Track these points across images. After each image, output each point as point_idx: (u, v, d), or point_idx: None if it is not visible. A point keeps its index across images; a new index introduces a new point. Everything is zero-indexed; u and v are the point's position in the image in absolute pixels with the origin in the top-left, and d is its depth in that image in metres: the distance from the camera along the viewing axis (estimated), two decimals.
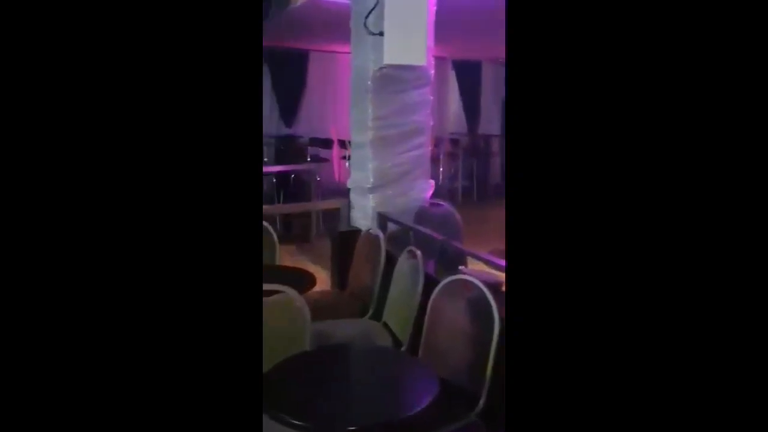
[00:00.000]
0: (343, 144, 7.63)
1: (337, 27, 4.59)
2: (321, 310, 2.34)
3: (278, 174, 6.06)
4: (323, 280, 3.27)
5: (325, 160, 6.99)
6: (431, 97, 3.34)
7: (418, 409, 1.37)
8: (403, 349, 2.27)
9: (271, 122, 7.40)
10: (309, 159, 6.68)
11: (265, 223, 3.02)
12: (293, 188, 6.12)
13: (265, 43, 6.87)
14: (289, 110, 7.54)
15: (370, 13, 2.91)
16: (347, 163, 7.72)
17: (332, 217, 4.27)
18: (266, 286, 1.91)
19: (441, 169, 7.40)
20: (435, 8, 3.07)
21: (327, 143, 7.27)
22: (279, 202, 6.10)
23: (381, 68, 3.03)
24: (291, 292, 1.93)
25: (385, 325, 2.54)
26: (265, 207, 4.75)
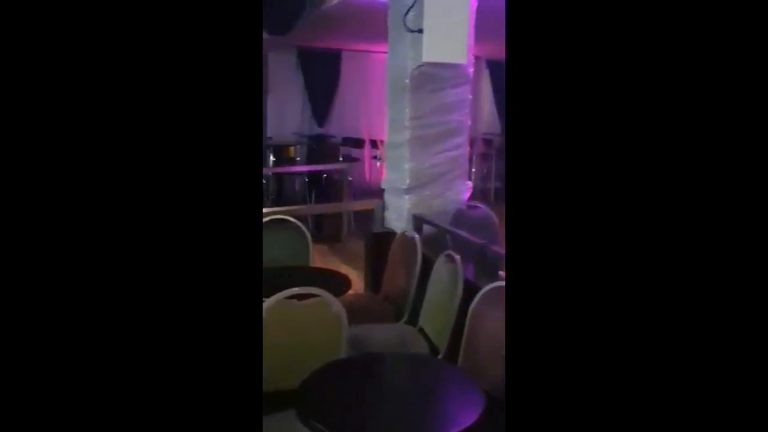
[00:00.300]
0: (374, 144, 7.60)
1: (371, 25, 4.53)
2: (354, 313, 2.28)
3: (310, 173, 6.05)
4: (355, 282, 3.21)
5: (357, 159, 6.96)
6: (470, 96, 3.25)
7: (466, 425, 1.30)
8: (440, 356, 2.19)
9: (303, 122, 7.40)
10: (341, 159, 6.65)
11: (299, 223, 2.99)
12: (325, 188, 6.10)
13: (297, 43, 6.91)
14: (322, 110, 7.54)
15: (409, 9, 2.84)
16: (378, 163, 7.70)
17: (363, 216, 4.22)
18: (302, 290, 1.87)
19: (473, 170, 7.29)
20: (476, 5, 2.98)
21: (359, 143, 7.24)
22: (311, 202, 6.09)
23: (419, 66, 2.95)
24: (327, 296, 1.88)
25: (421, 330, 2.47)
26: (297, 207, 4.74)
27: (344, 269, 4.11)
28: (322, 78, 7.46)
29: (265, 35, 5.58)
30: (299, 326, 1.89)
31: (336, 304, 1.88)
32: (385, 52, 3.27)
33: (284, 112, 7.44)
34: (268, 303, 1.81)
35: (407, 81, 3.03)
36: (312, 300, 1.87)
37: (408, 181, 3.13)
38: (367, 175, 7.86)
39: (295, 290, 1.85)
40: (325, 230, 5.32)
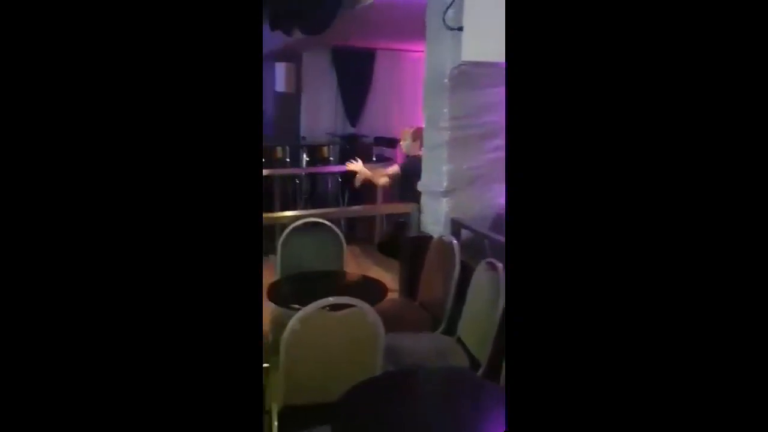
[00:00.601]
0: None
1: (407, 25, 4.44)
2: (390, 320, 2.20)
3: (343, 173, 6.01)
4: (389, 285, 3.13)
5: (390, 159, 6.88)
6: None
7: None
8: (481, 370, 2.09)
9: (336, 121, 7.37)
10: (374, 159, 6.59)
11: (333, 227, 2.93)
12: (358, 187, 6.04)
13: (331, 42, 6.87)
14: (354, 109, 7.49)
15: (449, 6, 2.74)
16: None
17: (397, 218, 4.14)
18: (338, 299, 1.80)
19: None
20: None
21: (392, 143, 7.16)
22: (344, 201, 6.05)
23: (459, 65, 2.84)
24: (364, 306, 1.80)
25: (460, 341, 2.37)
26: (331, 210, 4.69)
27: (377, 271, 4.04)
28: (356, 77, 7.40)
29: (299, 35, 5.56)
30: (335, 337, 1.82)
31: (372, 315, 1.80)
32: (420, 51, 3.17)
33: (318, 111, 7.42)
34: (303, 312, 1.74)
35: (446, 80, 2.92)
36: (348, 310, 1.80)
37: (446, 184, 3.03)
38: None
39: (331, 300, 1.79)
40: (359, 232, 5.26)
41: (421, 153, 3.82)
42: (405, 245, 3.25)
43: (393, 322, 2.33)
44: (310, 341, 1.77)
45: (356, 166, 4.13)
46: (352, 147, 6.85)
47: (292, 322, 1.73)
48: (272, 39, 6.43)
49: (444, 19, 2.75)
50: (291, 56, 7.42)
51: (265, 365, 2.64)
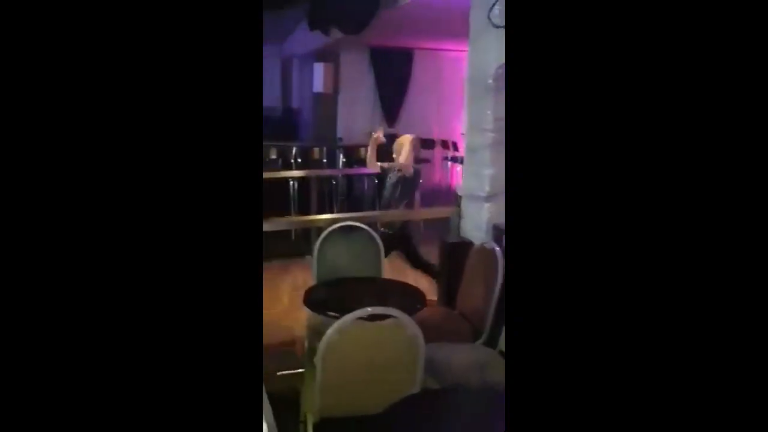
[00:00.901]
0: (445, 145, 7.41)
1: (446, 24, 4.35)
2: (428, 330, 2.11)
3: (379, 175, 5.95)
4: (426, 291, 3.04)
5: (427, 161, 6.79)
6: None
7: None
8: None
9: (374, 122, 7.33)
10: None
11: (370, 230, 2.86)
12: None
13: (370, 42, 6.83)
14: (392, 109, 7.44)
15: (494, 3, 2.63)
16: (449, 164, 7.49)
17: (434, 221, 4.06)
18: (376, 309, 1.73)
19: None
20: None
21: (429, 144, 7.06)
22: (380, 204, 5.98)
23: (504, 64, 2.73)
24: (404, 318, 1.72)
25: (502, 353, 2.26)
26: (367, 213, 4.63)
27: (413, 275, 3.95)
28: (394, 77, 7.35)
29: (338, 34, 5.53)
30: (373, 349, 1.75)
31: (412, 327, 1.72)
32: (458, 50, 3.09)
33: (355, 112, 7.40)
34: (341, 322, 1.68)
35: (491, 81, 2.81)
36: (387, 321, 1.72)
37: (488, 189, 2.92)
38: (438, 177, 7.67)
39: (369, 311, 1.71)
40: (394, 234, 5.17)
41: (413, 164, 3.77)
42: (445, 251, 3.16)
43: (432, 331, 2.24)
44: (348, 352, 1.70)
45: (378, 137, 4.02)
46: (389, 148, 6.79)
47: (330, 333, 1.66)
48: (311, 39, 6.43)
49: (489, 17, 2.65)
50: (329, 56, 7.41)
51: (300, 371, 2.60)
